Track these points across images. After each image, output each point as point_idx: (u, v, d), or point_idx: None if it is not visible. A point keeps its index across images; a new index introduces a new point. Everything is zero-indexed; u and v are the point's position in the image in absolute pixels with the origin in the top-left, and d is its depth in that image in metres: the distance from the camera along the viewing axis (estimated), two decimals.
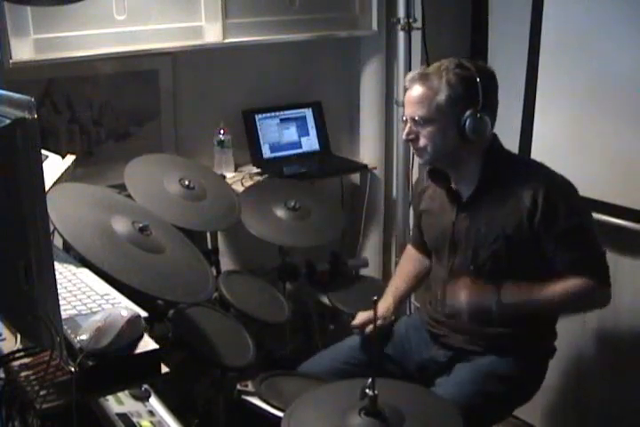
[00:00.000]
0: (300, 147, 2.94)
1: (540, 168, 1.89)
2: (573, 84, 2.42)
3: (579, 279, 1.82)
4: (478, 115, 1.78)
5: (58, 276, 1.29)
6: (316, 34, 2.81)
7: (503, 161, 1.89)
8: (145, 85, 2.60)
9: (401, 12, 2.64)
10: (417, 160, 2.64)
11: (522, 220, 1.82)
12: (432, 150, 1.85)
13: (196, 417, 1.98)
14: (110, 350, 1.22)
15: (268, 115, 2.87)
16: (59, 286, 1.20)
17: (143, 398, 1.60)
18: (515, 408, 2.06)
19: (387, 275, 2.99)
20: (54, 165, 1.83)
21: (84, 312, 1.33)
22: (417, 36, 2.67)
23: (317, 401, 1.58)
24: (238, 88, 2.80)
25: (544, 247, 1.84)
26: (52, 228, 1.53)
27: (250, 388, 1.93)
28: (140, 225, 1.75)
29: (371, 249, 3.08)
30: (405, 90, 1.89)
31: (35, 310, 1.10)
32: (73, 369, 1.17)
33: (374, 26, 2.88)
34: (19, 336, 1.32)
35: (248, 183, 2.62)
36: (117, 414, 1.47)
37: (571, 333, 2.54)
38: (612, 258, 2.43)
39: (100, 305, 1.36)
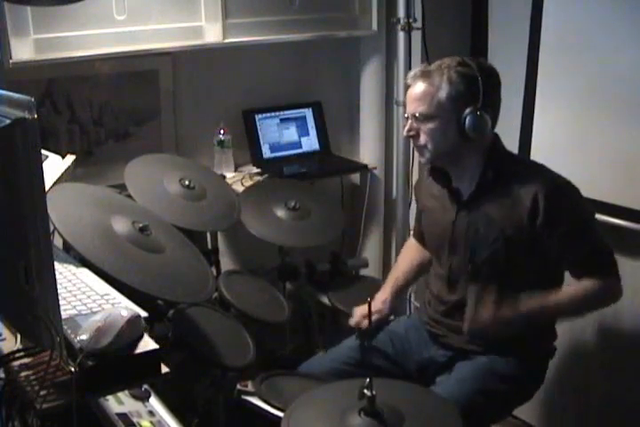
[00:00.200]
0: (300, 147, 2.94)
1: (541, 169, 1.89)
2: (573, 84, 2.42)
3: (589, 281, 1.83)
4: (478, 112, 1.78)
5: (58, 276, 1.28)
6: (315, 34, 2.80)
7: (504, 161, 1.89)
8: (145, 85, 2.60)
9: (401, 12, 2.64)
10: (417, 160, 2.65)
11: (522, 221, 1.82)
12: (432, 148, 1.85)
13: (196, 417, 1.98)
14: (110, 350, 1.21)
15: (268, 115, 2.87)
16: (59, 286, 1.20)
17: (143, 398, 1.60)
18: (514, 407, 2.06)
19: (387, 275, 2.98)
20: (54, 165, 1.83)
21: (84, 312, 1.33)
22: (417, 36, 2.67)
23: (317, 401, 1.58)
24: (238, 88, 2.80)
25: (547, 248, 1.84)
26: (52, 228, 1.53)
27: (250, 388, 1.93)
28: (140, 225, 1.75)
29: (371, 249, 3.08)
30: (407, 87, 1.89)
31: (35, 310, 1.10)
32: (73, 369, 1.17)
33: (374, 26, 2.88)
34: (19, 336, 1.32)
35: (248, 183, 2.62)
36: (117, 414, 1.47)
37: (571, 333, 2.54)
38: None
39: (100, 305, 1.36)
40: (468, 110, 1.79)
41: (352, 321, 2.14)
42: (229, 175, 2.69)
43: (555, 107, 2.48)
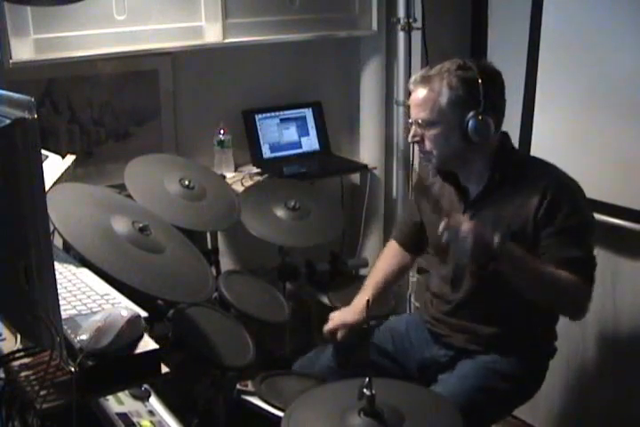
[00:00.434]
0: (300, 147, 2.94)
1: (551, 168, 1.88)
2: (573, 84, 2.42)
3: (569, 274, 1.79)
4: (480, 116, 1.77)
5: (58, 276, 1.28)
6: (315, 34, 2.81)
7: (513, 162, 1.88)
8: (145, 85, 2.60)
9: (401, 12, 2.65)
10: (417, 160, 2.65)
11: (528, 217, 1.81)
12: (437, 153, 1.85)
13: (196, 417, 1.98)
14: (110, 350, 1.21)
15: (268, 115, 2.87)
16: (59, 286, 1.20)
17: (143, 398, 1.60)
18: (515, 407, 2.05)
19: None
20: (54, 165, 1.83)
21: (84, 312, 1.33)
22: (417, 36, 2.67)
23: (317, 401, 1.58)
24: (238, 88, 2.80)
25: (539, 242, 1.82)
26: (52, 228, 1.53)
27: (250, 388, 1.93)
28: (140, 225, 1.75)
29: (371, 249, 3.08)
30: (409, 92, 1.89)
31: (35, 310, 1.10)
32: (73, 369, 1.17)
33: (374, 26, 2.88)
34: (19, 336, 1.32)
35: (248, 183, 2.62)
36: (117, 414, 1.47)
37: (571, 333, 2.54)
38: (612, 258, 2.45)
39: (100, 305, 1.36)
40: (470, 115, 1.78)
41: (326, 328, 2.10)
42: (229, 175, 2.69)
43: (554, 106, 2.48)
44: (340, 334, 2.09)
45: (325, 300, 2.52)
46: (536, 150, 2.51)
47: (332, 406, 1.52)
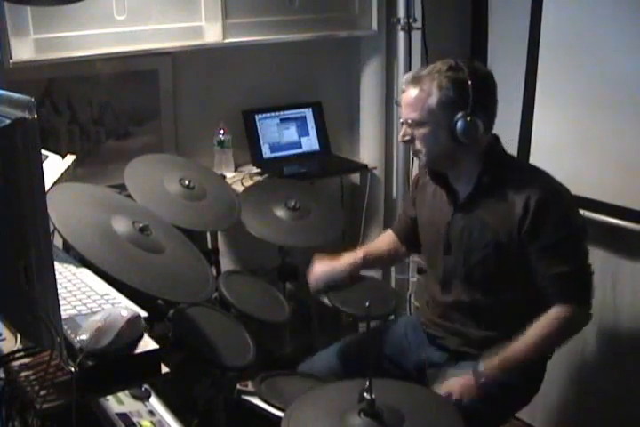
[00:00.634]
0: (300, 147, 2.94)
1: (539, 175, 1.86)
2: (573, 83, 2.41)
3: (562, 308, 1.78)
4: (469, 117, 1.77)
5: (58, 276, 1.29)
6: (315, 34, 2.81)
7: (501, 165, 1.87)
8: (145, 85, 2.60)
9: (401, 12, 2.65)
10: (417, 160, 2.65)
11: (512, 226, 1.80)
12: (426, 153, 1.85)
13: (196, 417, 1.98)
14: (110, 350, 1.21)
15: (268, 115, 2.87)
16: (59, 286, 1.20)
17: (143, 398, 1.60)
18: (514, 412, 2.06)
19: (387, 275, 2.99)
20: (54, 165, 1.83)
21: (84, 312, 1.33)
22: (417, 36, 2.67)
23: (317, 401, 1.57)
24: (238, 88, 2.80)
25: (528, 256, 1.81)
26: (52, 228, 1.53)
27: (250, 388, 1.92)
28: (140, 225, 1.75)
29: None
30: (402, 92, 1.89)
31: (35, 310, 1.10)
32: (73, 369, 1.17)
33: (374, 26, 2.88)
34: (19, 336, 1.32)
35: (248, 183, 2.62)
36: (117, 414, 1.47)
37: None
38: (611, 258, 2.45)
39: (100, 305, 1.36)
40: (458, 115, 1.77)
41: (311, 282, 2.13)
42: (229, 175, 2.69)
43: (554, 106, 2.48)
44: (315, 284, 2.11)
45: (325, 300, 2.52)
46: (536, 150, 2.51)
47: (332, 406, 1.52)
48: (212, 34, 2.59)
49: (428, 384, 1.95)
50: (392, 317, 2.22)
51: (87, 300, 1.38)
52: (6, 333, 1.36)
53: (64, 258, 1.59)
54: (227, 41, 2.61)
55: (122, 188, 2.11)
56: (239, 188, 2.58)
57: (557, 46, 2.43)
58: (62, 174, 1.82)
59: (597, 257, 2.49)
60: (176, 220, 2.03)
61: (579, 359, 2.61)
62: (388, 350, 2.09)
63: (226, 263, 2.74)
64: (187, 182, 2.20)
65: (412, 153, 2.10)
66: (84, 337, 1.21)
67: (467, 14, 2.80)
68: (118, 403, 1.52)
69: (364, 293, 2.45)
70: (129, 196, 2.06)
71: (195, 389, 2.02)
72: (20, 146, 1.00)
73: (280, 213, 2.41)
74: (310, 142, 2.96)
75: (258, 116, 2.84)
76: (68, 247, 1.68)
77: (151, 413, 1.56)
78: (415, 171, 2.71)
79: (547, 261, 1.79)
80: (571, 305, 1.79)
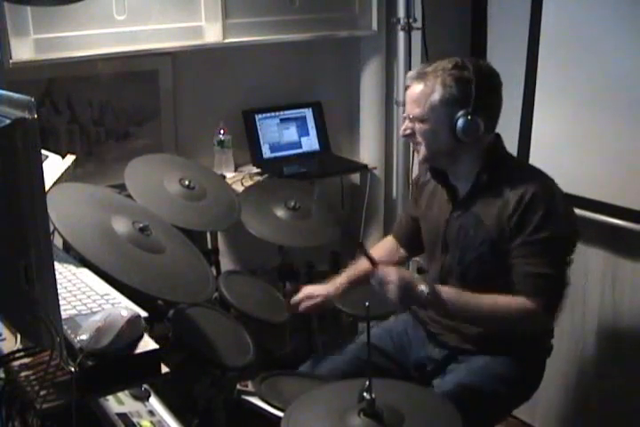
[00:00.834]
0: (300, 147, 2.94)
1: (537, 175, 1.86)
2: (572, 84, 2.42)
3: (525, 300, 1.76)
4: (469, 116, 1.78)
5: (58, 276, 1.29)
6: (315, 34, 2.81)
7: (501, 164, 1.88)
8: (145, 85, 2.60)
9: (401, 12, 2.65)
10: (417, 160, 2.65)
11: (504, 223, 1.80)
12: (426, 148, 1.86)
13: (196, 417, 1.98)
14: (110, 350, 1.21)
15: (268, 115, 2.87)
16: (59, 286, 1.20)
17: (143, 398, 1.60)
18: (514, 408, 2.05)
19: None
20: (54, 165, 1.83)
21: (84, 312, 1.33)
22: (417, 36, 2.67)
23: (317, 401, 1.57)
24: (238, 88, 2.80)
25: (511, 252, 1.80)
26: (52, 228, 1.53)
27: (250, 388, 1.92)
28: (140, 225, 1.75)
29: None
30: (406, 87, 1.90)
31: (35, 310, 1.10)
32: (73, 369, 1.17)
33: (374, 26, 2.88)
34: (19, 336, 1.32)
35: (248, 183, 2.62)
36: (117, 414, 1.47)
37: (570, 333, 2.54)
38: (612, 258, 2.45)
39: (100, 305, 1.36)
40: (459, 114, 1.78)
41: (293, 299, 2.13)
42: (229, 175, 2.69)
43: (554, 105, 2.48)
44: (302, 306, 2.11)
45: None
46: (536, 150, 2.51)
47: (331, 406, 1.52)
48: (212, 34, 2.59)
49: (428, 381, 1.96)
50: (392, 317, 2.22)
51: (87, 300, 1.38)
52: (6, 333, 1.36)
53: (64, 258, 1.59)
54: (227, 41, 2.61)
55: (122, 188, 2.10)
56: (239, 188, 2.58)
57: (557, 46, 2.43)
58: (62, 174, 1.82)
59: (597, 257, 2.50)
60: (176, 220, 2.03)
61: (578, 359, 2.61)
62: (388, 349, 2.09)
63: (226, 263, 2.74)
64: (187, 182, 2.20)
65: (412, 150, 2.10)
66: (84, 337, 1.21)
67: (467, 14, 2.80)
68: (118, 403, 1.52)
69: (364, 293, 2.45)
70: (129, 196, 2.05)
71: (195, 389, 2.02)
72: (20, 146, 1.00)
73: (280, 213, 2.41)
74: (310, 142, 2.96)
75: (258, 116, 2.84)
76: (67, 247, 1.68)
77: (151, 413, 1.56)
78: (415, 171, 2.71)
79: (523, 259, 1.77)
80: (538, 305, 1.75)
